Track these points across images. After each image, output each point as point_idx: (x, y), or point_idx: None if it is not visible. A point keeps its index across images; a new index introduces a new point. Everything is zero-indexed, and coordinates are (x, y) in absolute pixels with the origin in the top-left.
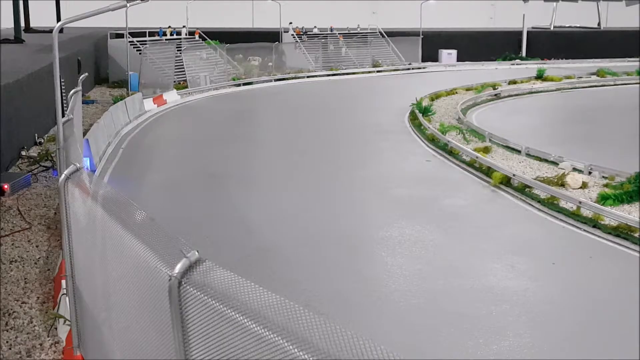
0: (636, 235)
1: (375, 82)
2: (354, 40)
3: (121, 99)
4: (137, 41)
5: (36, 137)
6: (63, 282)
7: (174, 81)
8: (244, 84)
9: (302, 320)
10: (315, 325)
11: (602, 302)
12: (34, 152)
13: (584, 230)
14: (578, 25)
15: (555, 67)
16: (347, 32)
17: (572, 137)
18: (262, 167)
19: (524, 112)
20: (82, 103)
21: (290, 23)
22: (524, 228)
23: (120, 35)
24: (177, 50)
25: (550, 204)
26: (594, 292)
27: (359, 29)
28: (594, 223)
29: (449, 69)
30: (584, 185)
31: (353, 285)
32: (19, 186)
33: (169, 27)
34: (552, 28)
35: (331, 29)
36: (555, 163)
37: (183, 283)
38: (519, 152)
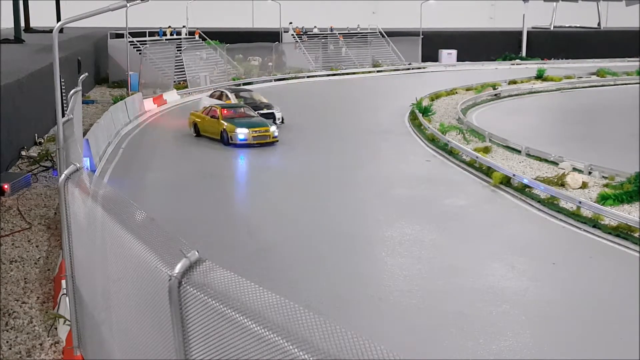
0: (636, 235)
1: (375, 82)
2: (354, 40)
3: (121, 99)
4: (137, 41)
5: (36, 137)
6: (63, 282)
7: (174, 81)
8: (244, 84)
9: (302, 320)
10: (315, 325)
11: (602, 302)
12: (34, 152)
13: (584, 230)
14: (578, 25)
15: (555, 67)
16: (347, 32)
17: (572, 137)
18: (261, 167)
19: (524, 112)
20: (82, 103)
21: (290, 23)
22: (524, 228)
23: (120, 35)
24: (177, 50)
25: (550, 204)
26: (594, 292)
27: (359, 29)
28: (594, 223)
29: (449, 69)
30: (584, 185)
31: (353, 286)
32: (19, 186)
33: (169, 27)
34: (552, 28)
35: (331, 29)
36: (555, 163)
37: (183, 283)
38: (519, 152)
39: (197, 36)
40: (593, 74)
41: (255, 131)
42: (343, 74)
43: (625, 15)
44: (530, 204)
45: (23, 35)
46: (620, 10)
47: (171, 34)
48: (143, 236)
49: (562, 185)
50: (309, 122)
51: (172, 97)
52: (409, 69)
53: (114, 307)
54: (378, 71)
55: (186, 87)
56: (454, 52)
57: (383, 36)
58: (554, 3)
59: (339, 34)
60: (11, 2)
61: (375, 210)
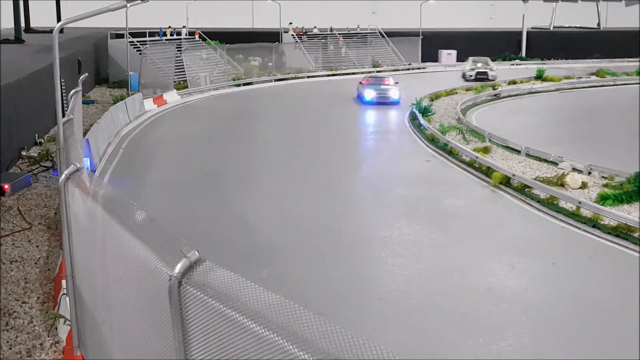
0: (636, 235)
1: None
2: (353, 40)
3: (121, 99)
4: (137, 41)
5: (36, 137)
6: (63, 282)
7: (174, 81)
8: (244, 84)
9: (302, 320)
10: (315, 325)
11: (601, 302)
12: (34, 152)
13: (584, 230)
14: (578, 25)
15: (555, 67)
16: (347, 32)
17: (572, 137)
18: (262, 167)
19: (524, 112)
20: (82, 103)
21: (290, 23)
22: (524, 228)
23: (120, 36)
24: (177, 51)
25: (550, 204)
26: (594, 292)
27: (359, 29)
28: (593, 223)
29: (449, 69)
30: (584, 185)
31: (353, 285)
32: (19, 186)
33: (169, 27)
34: (552, 28)
35: (331, 29)
36: (555, 163)
37: (183, 283)
38: (518, 152)
39: (197, 36)
40: (593, 74)
41: None
42: (343, 74)
43: (625, 15)
44: (530, 204)
45: (23, 35)
46: (620, 10)
47: (171, 34)
48: (143, 236)
49: (562, 185)
50: (309, 122)
51: (172, 97)
52: (408, 69)
53: (114, 307)
54: (378, 71)
55: (186, 87)
56: (453, 52)
57: (383, 36)
58: (554, 3)
59: (338, 34)
60: (11, 2)
61: (375, 210)
